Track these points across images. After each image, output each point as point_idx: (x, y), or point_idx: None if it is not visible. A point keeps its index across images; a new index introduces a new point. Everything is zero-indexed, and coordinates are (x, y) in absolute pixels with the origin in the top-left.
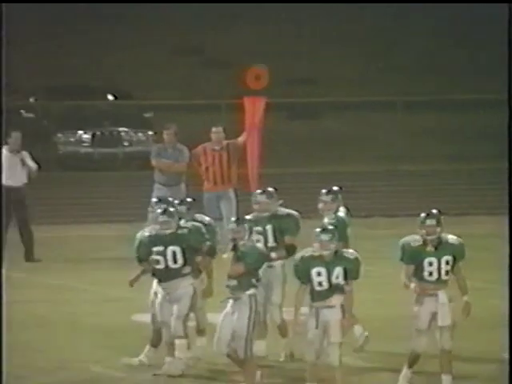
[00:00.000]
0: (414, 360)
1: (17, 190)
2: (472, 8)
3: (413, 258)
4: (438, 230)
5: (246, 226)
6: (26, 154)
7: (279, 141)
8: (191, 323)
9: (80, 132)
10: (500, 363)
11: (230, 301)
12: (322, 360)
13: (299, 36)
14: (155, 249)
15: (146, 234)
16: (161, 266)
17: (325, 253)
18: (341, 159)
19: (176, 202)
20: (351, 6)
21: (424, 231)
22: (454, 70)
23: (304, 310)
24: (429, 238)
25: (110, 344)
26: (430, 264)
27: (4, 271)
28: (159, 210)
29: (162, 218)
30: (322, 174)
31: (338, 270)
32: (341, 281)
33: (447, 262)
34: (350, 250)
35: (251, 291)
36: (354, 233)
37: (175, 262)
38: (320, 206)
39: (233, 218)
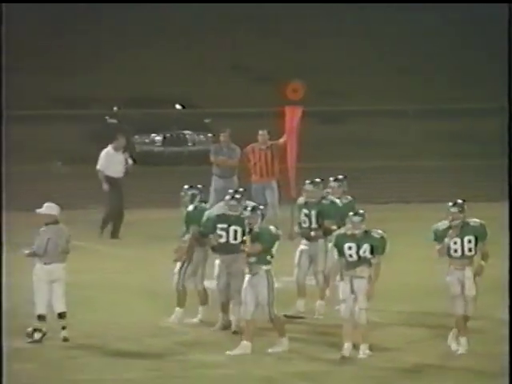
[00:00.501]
0: (462, 324)
1: (117, 180)
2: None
3: (442, 238)
4: (462, 215)
5: (259, 212)
6: (127, 154)
7: (312, 141)
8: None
9: (153, 134)
10: (491, 321)
11: (248, 275)
12: (352, 317)
13: (329, 55)
14: (220, 225)
15: (214, 212)
16: (223, 240)
17: (356, 231)
18: (362, 156)
19: (231, 191)
20: (372, 28)
21: (450, 217)
22: (457, 79)
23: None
24: (453, 223)
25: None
26: (455, 243)
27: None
28: (228, 196)
29: (232, 202)
30: (347, 169)
31: (366, 246)
32: (367, 255)
33: (469, 241)
34: (379, 231)
35: (267, 267)
36: (372, 216)
37: (235, 239)
38: (328, 191)
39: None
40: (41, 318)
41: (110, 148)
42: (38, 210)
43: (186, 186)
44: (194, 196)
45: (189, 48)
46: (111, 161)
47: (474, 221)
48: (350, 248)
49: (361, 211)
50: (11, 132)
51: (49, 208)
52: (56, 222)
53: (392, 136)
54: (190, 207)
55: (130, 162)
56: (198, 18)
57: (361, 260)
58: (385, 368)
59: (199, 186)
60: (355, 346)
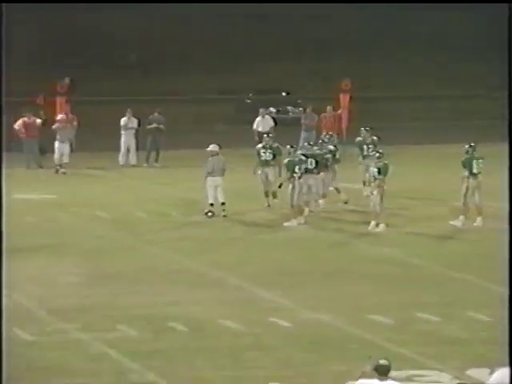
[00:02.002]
0: (464, 210)
1: (266, 132)
2: None
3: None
4: (470, 151)
5: (292, 150)
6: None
7: (356, 113)
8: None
9: (271, 108)
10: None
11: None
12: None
13: (374, 59)
14: (303, 158)
15: (301, 151)
16: (305, 166)
17: (376, 161)
18: (383, 119)
19: (306, 143)
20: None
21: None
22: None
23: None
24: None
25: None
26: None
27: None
28: (306, 143)
29: (308, 146)
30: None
31: (375, 169)
32: (376, 175)
33: (477, 164)
34: (385, 161)
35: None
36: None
37: (311, 165)
38: (361, 136)
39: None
40: (211, 205)
41: (260, 116)
42: (208, 148)
43: (264, 138)
44: (273, 141)
45: (288, 60)
46: (260, 122)
47: (478, 155)
48: (371, 171)
49: (381, 150)
50: (192, 110)
51: (213, 146)
52: (217, 154)
53: (403, 109)
54: (276, 145)
55: (272, 123)
56: (290, 42)
57: (375, 178)
58: (393, 236)
59: (270, 134)
60: (377, 225)
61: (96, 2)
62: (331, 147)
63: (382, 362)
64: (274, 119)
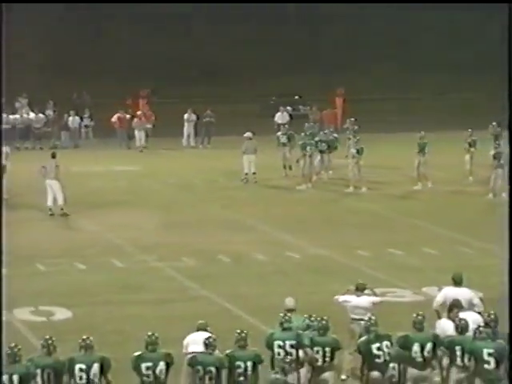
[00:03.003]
0: (417, 178)
1: (283, 124)
2: None
3: (419, 146)
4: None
5: (305, 136)
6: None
7: (348, 111)
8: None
9: (287, 107)
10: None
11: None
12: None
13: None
14: (313, 141)
15: (316, 139)
16: (319, 148)
17: (355, 145)
18: (368, 114)
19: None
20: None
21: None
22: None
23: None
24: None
25: None
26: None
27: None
28: (319, 135)
29: (323, 134)
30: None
31: (354, 150)
32: (355, 154)
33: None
34: (362, 146)
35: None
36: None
37: (324, 147)
38: (348, 125)
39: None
40: (246, 174)
41: (280, 112)
42: (244, 135)
43: (282, 127)
44: (288, 129)
45: (300, 72)
46: (280, 116)
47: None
48: (352, 151)
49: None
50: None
51: (248, 133)
52: (251, 139)
53: (380, 107)
54: (290, 132)
55: (288, 117)
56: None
57: (353, 156)
58: (371, 195)
59: (286, 125)
60: (356, 187)
61: None
62: (335, 135)
63: (361, 281)
64: (290, 115)
